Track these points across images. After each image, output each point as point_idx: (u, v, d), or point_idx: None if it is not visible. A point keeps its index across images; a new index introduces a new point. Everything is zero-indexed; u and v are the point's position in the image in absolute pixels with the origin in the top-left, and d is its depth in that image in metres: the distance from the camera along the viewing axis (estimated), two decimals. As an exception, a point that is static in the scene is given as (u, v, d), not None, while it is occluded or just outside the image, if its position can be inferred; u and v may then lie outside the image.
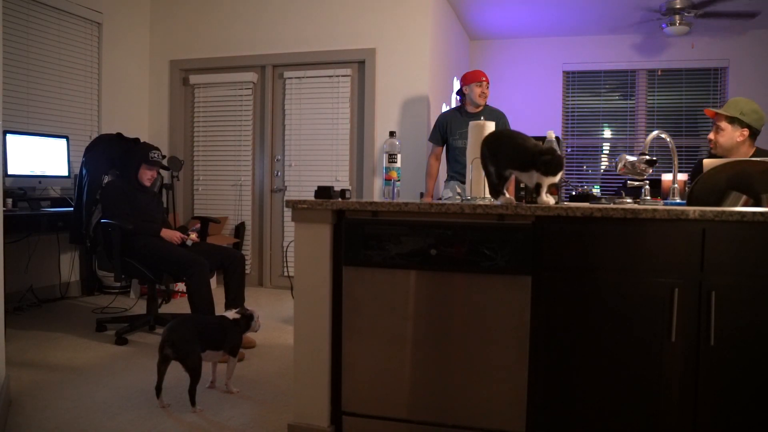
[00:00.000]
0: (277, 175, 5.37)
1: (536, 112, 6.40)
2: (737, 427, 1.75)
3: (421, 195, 4.59)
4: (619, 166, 2.74)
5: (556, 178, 1.92)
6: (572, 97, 6.60)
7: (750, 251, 1.72)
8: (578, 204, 2.04)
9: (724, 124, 2.74)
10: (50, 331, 3.68)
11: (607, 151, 6.63)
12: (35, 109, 4.48)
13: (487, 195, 2.15)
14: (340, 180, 5.16)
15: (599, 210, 1.81)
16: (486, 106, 4.32)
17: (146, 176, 3.68)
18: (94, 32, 5.01)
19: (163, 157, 3.95)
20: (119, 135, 3.86)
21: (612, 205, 1.92)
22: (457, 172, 4.31)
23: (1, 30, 2.45)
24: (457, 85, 5.81)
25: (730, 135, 2.73)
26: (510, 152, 1.96)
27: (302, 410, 2.12)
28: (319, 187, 2.13)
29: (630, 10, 5.57)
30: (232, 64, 5.38)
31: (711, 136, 2.83)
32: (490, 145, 2.02)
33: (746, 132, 2.71)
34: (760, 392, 1.73)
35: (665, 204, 2.31)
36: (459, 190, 4.23)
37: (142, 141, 3.84)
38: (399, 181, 2.35)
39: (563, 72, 6.55)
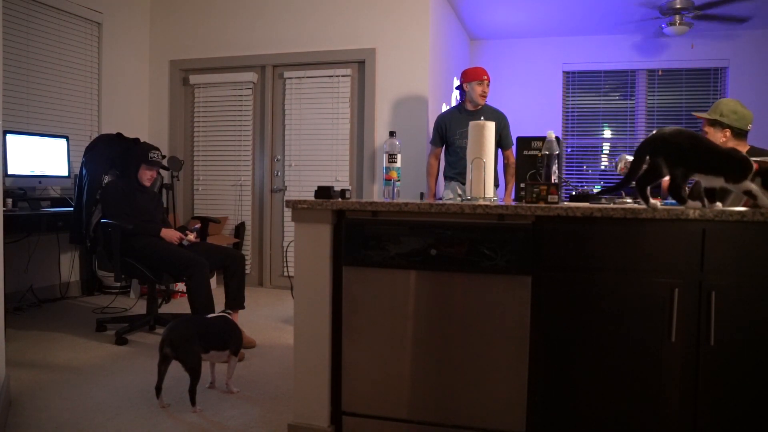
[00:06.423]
0: (277, 175, 5.37)
1: (536, 112, 6.40)
2: (737, 427, 1.75)
3: (422, 195, 4.59)
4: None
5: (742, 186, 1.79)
6: (572, 97, 6.60)
7: (750, 251, 1.72)
8: (578, 204, 2.04)
9: (707, 128, 2.85)
10: (50, 331, 3.68)
11: (607, 151, 6.63)
12: (35, 109, 4.48)
13: (488, 195, 2.14)
14: (340, 180, 5.16)
15: (599, 210, 1.81)
16: (485, 105, 4.32)
17: (146, 176, 3.68)
18: (94, 32, 5.01)
19: (163, 157, 3.95)
20: (119, 135, 3.86)
21: (612, 205, 1.92)
22: (458, 173, 4.30)
23: (1, 30, 2.45)
24: (457, 83, 5.80)
25: (713, 137, 2.81)
26: (700, 153, 1.82)
27: (302, 410, 2.12)
28: (319, 187, 2.13)
29: (630, 11, 5.57)
30: (232, 64, 5.38)
31: None
32: (674, 142, 1.83)
33: (728, 132, 2.79)
34: (760, 392, 1.74)
35: (665, 204, 2.31)
36: (459, 191, 4.23)
37: (142, 141, 3.84)
38: (399, 181, 2.35)
39: (563, 72, 6.55)
